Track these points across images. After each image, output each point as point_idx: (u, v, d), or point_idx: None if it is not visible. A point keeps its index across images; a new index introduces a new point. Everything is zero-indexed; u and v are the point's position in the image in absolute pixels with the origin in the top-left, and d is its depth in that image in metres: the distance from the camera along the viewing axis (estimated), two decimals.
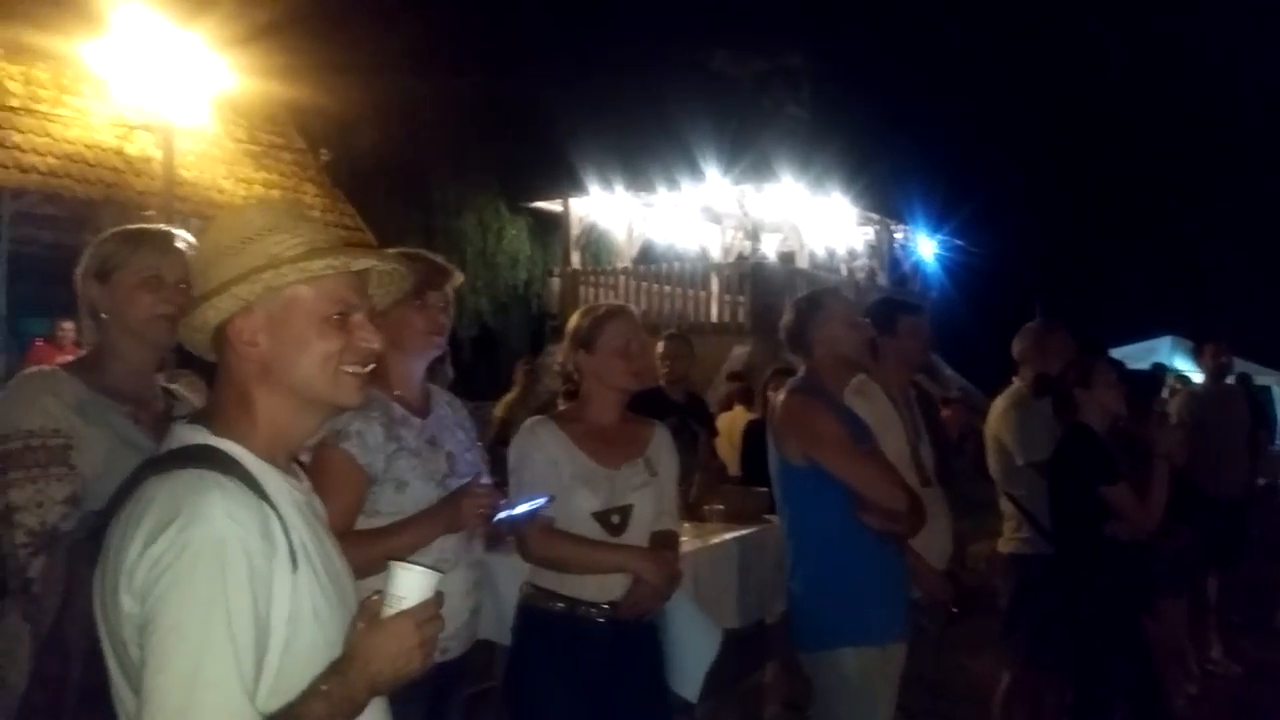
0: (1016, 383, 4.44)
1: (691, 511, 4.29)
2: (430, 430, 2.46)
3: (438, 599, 1.42)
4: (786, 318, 3.31)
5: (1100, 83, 25.30)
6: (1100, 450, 3.68)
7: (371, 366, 1.50)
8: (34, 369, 2.21)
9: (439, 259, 2.58)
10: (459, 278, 2.59)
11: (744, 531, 4.18)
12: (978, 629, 5.30)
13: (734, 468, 6.67)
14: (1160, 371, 8.37)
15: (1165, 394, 7.16)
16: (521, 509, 2.44)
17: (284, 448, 1.47)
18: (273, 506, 1.37)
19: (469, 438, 2.62)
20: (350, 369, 1.46)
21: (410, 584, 1.40)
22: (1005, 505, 4.31)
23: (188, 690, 1.23)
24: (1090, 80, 25.44)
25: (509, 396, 8.34)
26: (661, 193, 15.62)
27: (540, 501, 2.46)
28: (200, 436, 1.40)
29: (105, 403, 2.12)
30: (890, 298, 4.49)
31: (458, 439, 2.55)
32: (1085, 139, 26.03)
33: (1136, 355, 14.38)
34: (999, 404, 4.42)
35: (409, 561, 1.44)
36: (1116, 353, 8.12)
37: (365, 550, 2.19)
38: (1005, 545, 4.31)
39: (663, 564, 2.75)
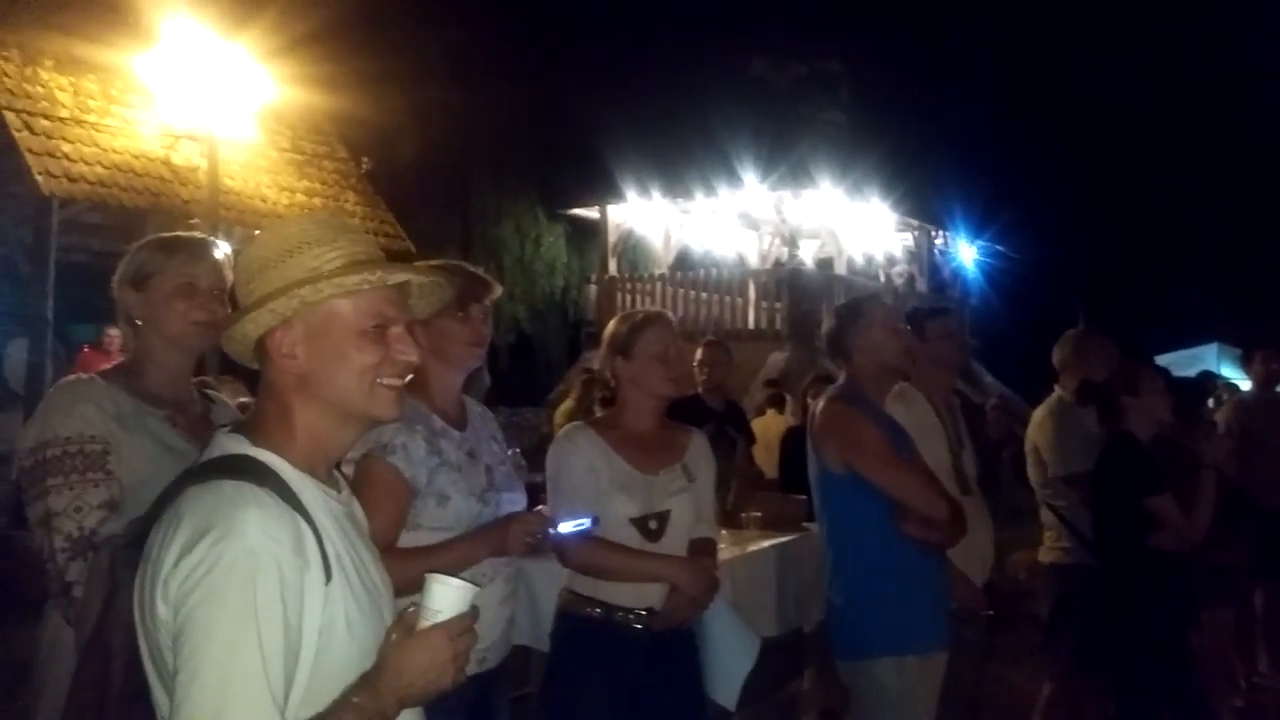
0: (1057, 391, 4.39)
1: (729, 519, 4.29)
2: (469, 442, 2.48)
3: (473, 613, 1.43)
4: (827, 324, 3.30)
5: (1144, 85, 24.95)
6: (1145, 459, 3.63)
7: (408, 379, 1.50)
8: (71, 377, 2.25)
9: (480, 271, 2.60)
10: (498, 290, 2.61)
11: (782, 539, 4.16)
12: (1018, 640, 5.24)
13: (769, 473, 6.67)
14: (1208, 379, 8.22)
15: (1211, 403, 7.04)
16: (566, 528, 2.45)
17: (323, 458, 1.48)
18: (308, 518, 1.38)
19: (502, 450, 2.64)
20: (387, 381, 1.46)
21: (446, 598, 1.41)
22: (1046, 515, 4.26)
23: (217, 701, 1.24)
24: (1134, 83, 25.09)
25: (566, 405, 8.36)
26: (699, 199, 15.62)
27: (586, 523, 2.47)
28: (240, 446, 1.42)
29: (143, 408, 2.16)
30: (917, 306, 4.46)
31: (493, 451, 2.57)
32: (1129, 142, 25.67)
33: (1182, 363, 14.14)
34: (1038, 413, 4.38)
35: (445, 575, 1.43)
36: (1161, 360, 8.00)
37: (411, 567, 2.21)
38: (1046, 555, 4.26)
39: (700, 574, 2.75)
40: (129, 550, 1.43)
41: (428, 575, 1.43)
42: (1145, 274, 25.53)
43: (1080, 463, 4.03)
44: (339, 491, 1.51)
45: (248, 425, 1.47)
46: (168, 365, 2.23)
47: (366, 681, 1.37)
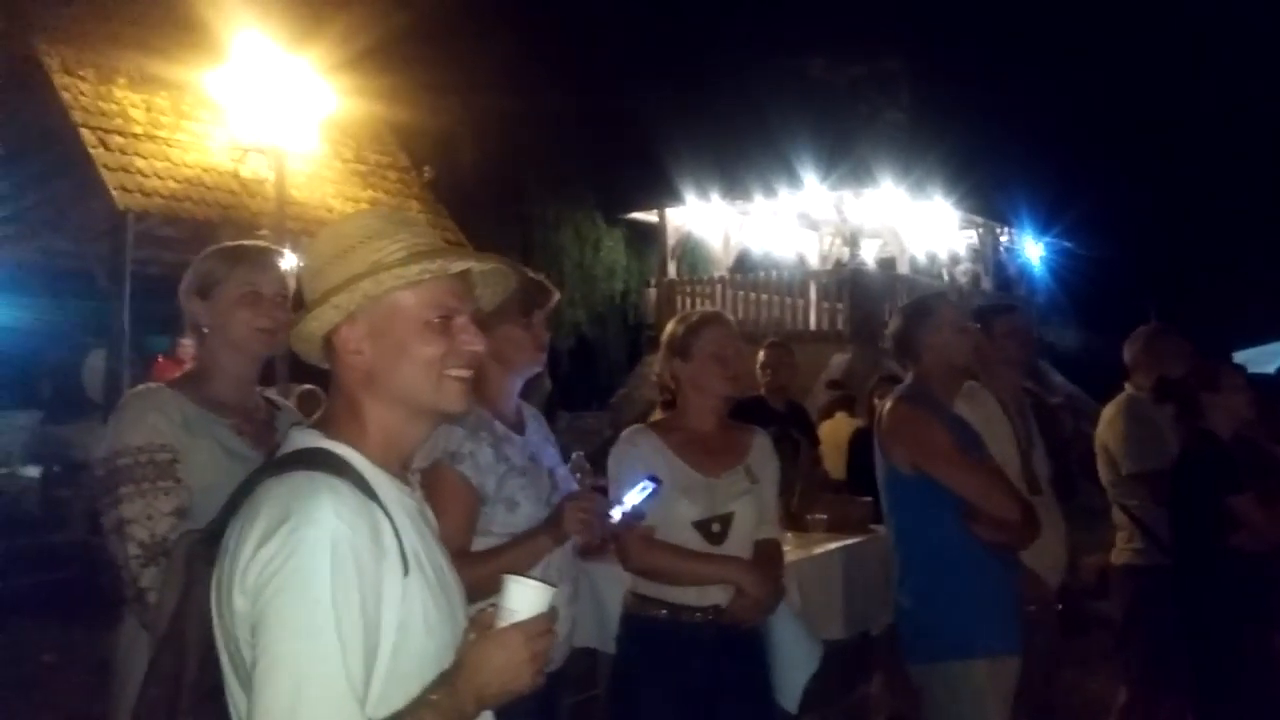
0: (1128, 389, 4.29)
1: (794, 521, 4.26)
2: (530, 447, 2.50)
3: (551, 614, 1.41)
4: (893, 324, 3.27)
5: (1216, 76, 24.27)
6: (1226, 458, 3.53)
7: (474, 370, 1.49)
8: (140, 387, 2.29)
9: (540, 278, 2.61)
10: (556, 296, 2.63)
11: (848, 541, 4.13)
12: (1092, 645, 5.13)
13: (839, 475, 6.62)
14: None
15: None
16: (631, 498, 2.44)
17: (396, 455, 1.47)
18: (385, 510, 1.37)
19: (558, 453, 2.66)
20: (454, 373, 1.45)
21: (524, 598, 1.40)
22: (1118, 515, 4.17)
23: (295, 689, 1.24)
24: (1206, 74, 24.43)
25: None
26: (758, 200, 15.56)
27: (650, 487, 2.46)
28: (315, 440, 1.41)
29: (209, 416, 2.19)
30: (982, 304, 4.40)
31: (550, 454, 2.59)
32: (1201, 133, 24.99)
33: (1259, 359, 13.71)
34: (1108, 411, 4.29)
35: (524, 578, 1.43)
36: (1237, 357, 7.76)
37: (479, 569, 2.24)
38: (1119, 557, 4.16)
39: (765, 577, 2.74)
40: (205, 546, 1.44)
41: (505, 576, 1.43)
42: (1219, 269, 24.81)
43: (1151, 461, 3.94)
44: (413, 490, 1.51)
45: (321, 422, 1.47)
46: (233, 372, 2.26)
47: (444, 680, 1.36)
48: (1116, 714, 4.13)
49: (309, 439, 1.42)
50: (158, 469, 2.09)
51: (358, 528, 1.30)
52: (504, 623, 1.38)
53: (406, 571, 1.36)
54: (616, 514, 2.40)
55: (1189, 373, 3.77)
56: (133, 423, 2.13)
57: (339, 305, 1.42)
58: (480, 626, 1.41)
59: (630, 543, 2.70)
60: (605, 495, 2.55)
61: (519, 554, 2.32)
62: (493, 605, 1.41)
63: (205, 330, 2.26)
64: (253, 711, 1.25)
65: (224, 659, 1.36)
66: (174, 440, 2.12)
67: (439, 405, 1.46)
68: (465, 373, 1.46)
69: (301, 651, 1.25)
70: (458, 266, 1.47)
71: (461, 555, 2.27)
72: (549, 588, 1.42)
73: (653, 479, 2.49)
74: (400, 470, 1.49)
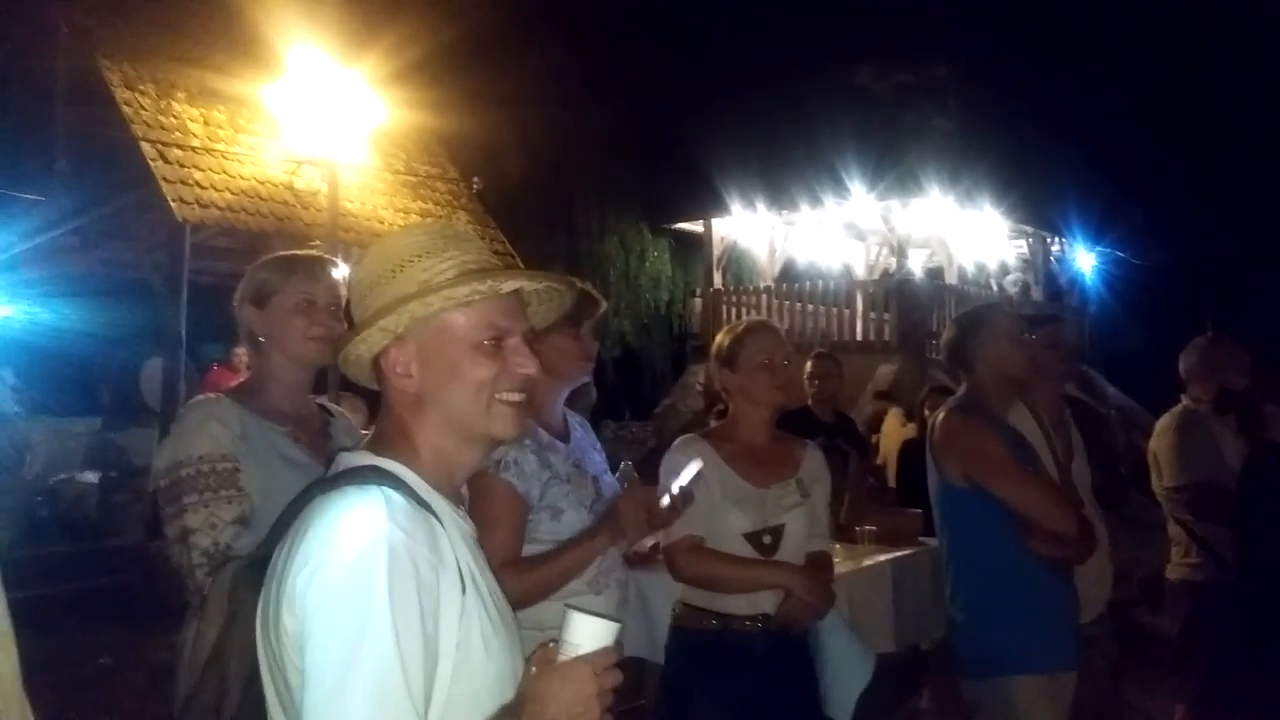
0: (1184, 401, 4.22)
1: (843, 533, 4.24)
2: (574, 455, 2.50)
3: (617, 649, 1.35)
4: (948, 334, 3.25)
5: (1269, 81, 23.77)
6: None
7: (527, 394, 1.43)
8: (199, 398, 2.33)
9: (588, 287, 2.61)
10: (604, 306, 2.64)
11: (898, 554, 4.10)
12: (1149, 662, 5.04)
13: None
14: None
15: None
16: (680, 481, 2.45)
17: (449, 478, 1.42)
18: (442, 525, 1.33)
19: (603, 460, 2.66)
20: (505, 397, 1.39)
21: (587, 631, 1.34)
22: (1173, 529, 4.09)
23: (353, 706, 1.17)
24: (1256, 78, 23.94)
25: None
26: (804, 210, 15.49)
27: (697, 468, 2.47)
28: (365, 459, 1.37)
29: (266, 425, 2.23)
30: (1022, 314, 4.34)
31: (595, 461, 2.59)
32: (1255, 139, 24.48)
33: None
34: (1162, 422, 4.21)
35: (588, 612, 1.37)
36: None
37: (537, 573, 2.27)
38: (1174, 572, 4.08)
39: (815, 580, 2.73)
40: (250, 570, 1.40)
41: (567, 609, 1.37)
42: (1276, 277, 24.25)
43: (1196, 473, 3.86)
44: (465, 518, 1.45)
45: (371, 444, 1.42)
46: (288, 381, 2.29)
47: (509, 711, 1.30)
48: None
49: (359, 459, 1.37)
50: (220, 478, 2.12)
51: (416, 536, 1.25)
52: (566, 656, 1.32)
53: (465, 590, 1.31)
54: (666, 499, 2.41)
55: (1251, 384, 3.69)
56: (194, 433, 2.17)
57: (386, 328, 1.37)
58: (542, 660, 1.34)
59: (679, 552, 2.71)
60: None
61: (576, 556, 2.33)
62: (554, 640, 1.35)
63: (261, 340, 2.29)
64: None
65: (269, 690, 1.31)
66: (234, 449, 2.15)
67: (490, 430, 1.41)
68: (518, 396, 1.41)
69: (357, 662, 1.18)
70: (509, 286, 1.41)
71: (518, 561, 2.32)
72: (614, 623, 1.36)
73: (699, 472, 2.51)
74: (454, 497, 1.44)
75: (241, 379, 2.44)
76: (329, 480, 1.35)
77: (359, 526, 1.23)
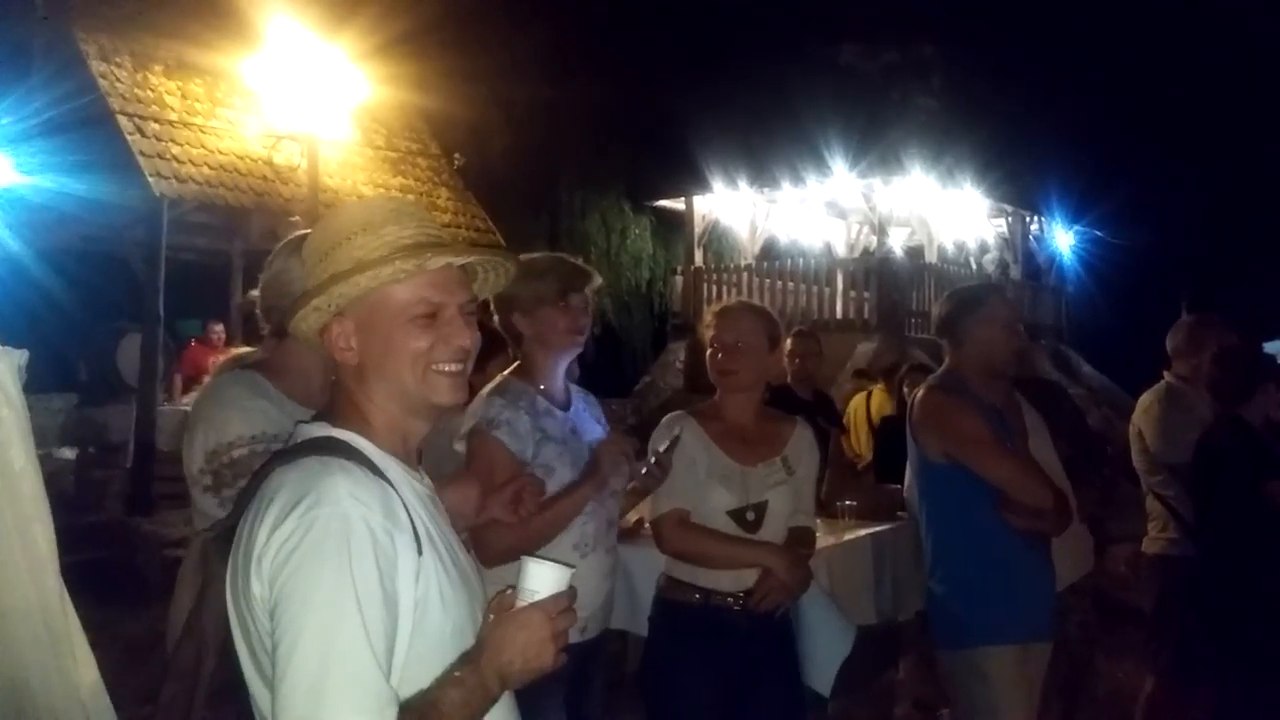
0: (1167, 377, 4.27)
1: (823, 508, 4.28)
2: (571, 421, 2.59)
3: (570, 593, 1.43)
4: (944, 306, 3.26)
5: (1247, 63, 23.90)
6: (1260, 445, 3.52)
7: (467, 363, 1.48)
8: (234, 372, 2.25)
9: (580, 263, 2.69)
10: (598, 280, 2.69)
11: (878, 528, 4.15)
12: (1122, 635, 5.13)
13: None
14: None
15: None
16: (659, 449, 2.57)
17: (402, 443, 1.48)
18: (396, 491, 1.39)
19: (605, 431, 2.72)
20: (441, 367, 1.45)
21: (542, 578, 1.41)
22: (1151, 504, 4.15)
23: (321, 663, 1.24)
24: (1238, 63, 24.06)
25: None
26: (785, 188, 15.49)
27: (676, 436, 2.59)
28: (322, 430, 1.44)
29: (295, 407, 2.14)
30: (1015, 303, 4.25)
31: (596, 431, 2.66)
32: (1233, 123, 24.64)
33: None
34: (1145, 398, 4.27)
35: (541, 557, 1.45)
36: (1271, 347, 7.68)
37: (526, 524, 2.30)
38: (1150, 546, 4.15)
39: (795, 561, 2.77)
40: (220, 542, 1.45)
41: (524, 557, 1.45)
42: (1252, 258, 24.48)
43: (1181, 450, 3.92)
44: (422, 476, 1.51)
45: (325, 414, 1.49)
46: (311, 375, 2.18)
47: (468, 659, 1.38)
48: (1143, 704, 4.12)
49: (316, 430, 1.44)
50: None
51: (371, 506, 1.32)
52: (524, 603, 1.40)
53: (420, 550, 1.38)
54: (645, 467, 2.52)
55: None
56: (241, 411, 2.09)
57: (319, 307, 1.43)
58: (500, 608, 1.42)
59: (665, 525, 2.75)
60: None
61: (563, 506, 2.42)
62: (510, 588, 1.43)
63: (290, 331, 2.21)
64: (279, 689, 1.26)
65: (242, 652, 1.37)
66: (283, 428, 2.01)
67: (428, 399, 1.46)
68: (454, 366, 1.46)
69: (324, 625, 1.26)
70: (436, 263, 1.45)
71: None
72: (567, 568, 1.44)
73: (678, 436, 2.60)
74: (408, 457, 1.49)
75: (220, 356, 2.38)
76: (289, 452, 1.42)
77: (318, 498, 1.30)
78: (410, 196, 12.01)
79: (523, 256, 2.48)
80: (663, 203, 17.44)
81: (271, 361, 2.27)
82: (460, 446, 2.46)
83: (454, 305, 1.46)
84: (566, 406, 2.62)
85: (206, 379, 2.33)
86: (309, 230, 2.38)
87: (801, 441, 2.94)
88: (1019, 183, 16.38)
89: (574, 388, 2.72)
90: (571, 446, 2.53)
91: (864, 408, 7.57)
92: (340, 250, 1.44)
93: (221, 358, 2.49)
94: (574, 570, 1.47)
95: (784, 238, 17.34)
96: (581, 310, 2.60)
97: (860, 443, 7.22)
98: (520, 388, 2.53)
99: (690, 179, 15.73)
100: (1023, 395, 3.32)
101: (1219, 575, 3.58)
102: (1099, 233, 19.11)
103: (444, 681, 1.35)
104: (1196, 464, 3.67)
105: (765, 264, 16.21)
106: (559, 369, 2.63)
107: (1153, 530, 4.13)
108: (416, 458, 1.54)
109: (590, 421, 2.67)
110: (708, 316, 2.94)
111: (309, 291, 1.44)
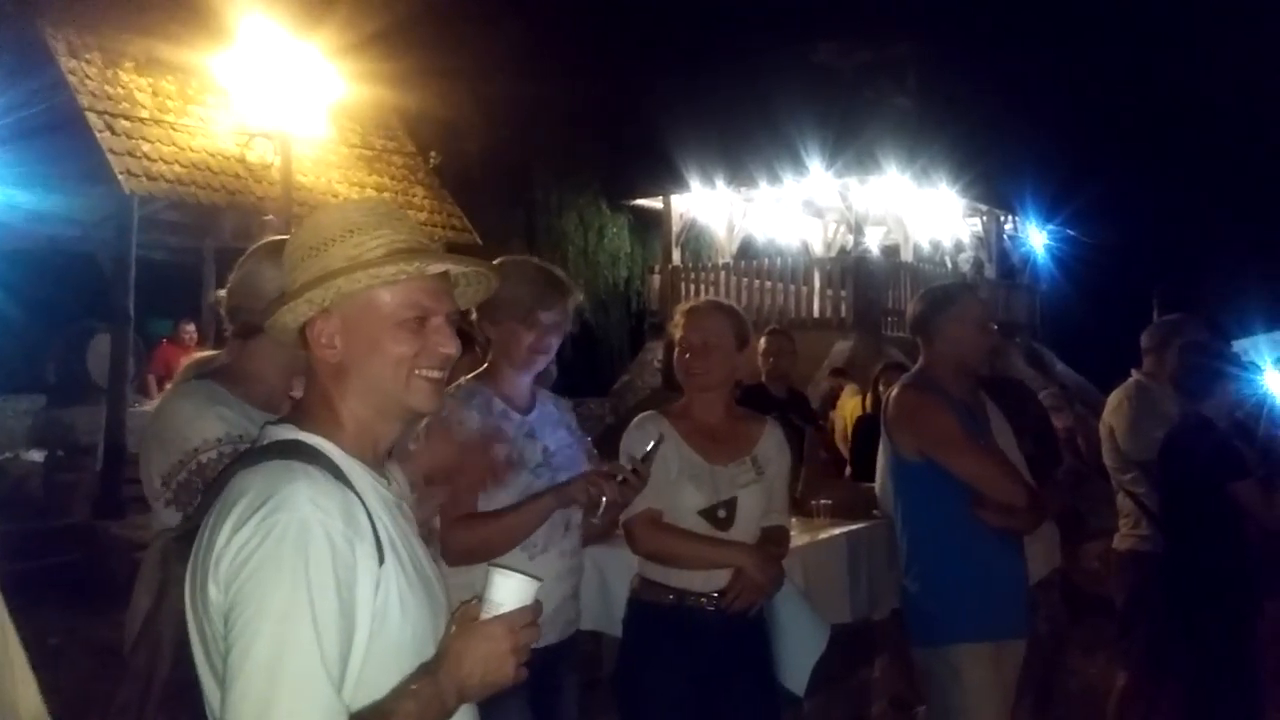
0: (1135, 375, 4.31)
1: (798, 507, 4.28)
2: (530, 425, 2.56)
3: (535, 607, 1.42)
4: (917, 305, 3.27)
5: (1220, 66, 24.17)
6: (1225, 444, 3.55)
7: (446, 370, 1.49)
8: (188, 383, 2.21)
9: (562, 276, 2.62)
10: (578, 296, 2.63)
11: (853, 527, 4.15)
12: (1093, 630, 5.16)
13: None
14: None
15: None
16: (636, 455, 2.53)
17: (371, 447, 1.47)
18: (360, 498, 1.37)
19: (573, 436, 2.67)
20: (424, 373, 1.45)
21: (508, 590, 1.40)
22: (1122, 501, 4.18)
23: (271, 676, 1.23)
24: (1210, 64, 24.33)
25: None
26: (762, 187, 15.53)
27: (655, 443, 2.53)
28: (288, 433, 1.42)
29: (252, 412, 2.10)
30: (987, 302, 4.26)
31: (559, 435, 2.61)
32: (1205, 124, 24.91)
33: (1265, 346, 13.73)
34: (1114, 396, 4.31)
35: (508, 568, 1.43)
36: (1243, 344, 7.74)
37: (487, 527, 2.36)
38: (1122, 542, 4.18)
39: (767, 561, 2.76)
40: (180, 544, 1.44)
41: (490, 567, 1.43)
42: (1225, 255, 24.76)
43: (1150, 448, 3.95)
44: (390, 483, 1.50)
45: (295, 414, 1.47)
46: (272, 381, 2.15)
47: (426, 670, 1.36)
48: (1115, 698, 4.15)
49: (283, 432, 1.42)
50: None
51: (332, 513, 1.31)
52: (488, 615, 1.39)
53: (382, 560, 1.36)
54: (621, 475, 2.45)
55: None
56: (201, 417, 2.05)
57: (312, 300, 1.42)
58: (464, 619, 1.41)
59: (638, 525, 2.73)
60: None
61: (525, 514, 2.40)
62: (475, 598, 1.42)
63: (255, 333, 2.12)
64: (228, 696, 1.24)
65: (198, 655, 1.35)
66: (245, 431, 2.01)
67: (408, 403, 1.46)
68: (436, 373, 1.46)
69: (276, 634, 1.24)
70: (435, 269, 1.47)
71: (471, 516, 2.40)
72: (534, 581, 1.42)
73: (657, 442, 2.56)
74: (376, 463, 1.48)
75: (192, 355, 2.34)
76: (253, 454, 1.40)
77: (278, 503, 1.29)
78: (385, 195, 11.95)
79: (505, 259, 2.47)
80: (640, 201, 17.45)
81: (233, 366, 2.21)
82: (414, 447, 2.43)
83: (442, 313, 1.47)
84: (528, 410, 2.58)
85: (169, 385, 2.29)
86: (282, 235, 2.34)
87: (771, 441, 2.93)
88: (993, 182, 16.51)
89: (544, 393, 2.69)
90: (525, 449, 2.50)
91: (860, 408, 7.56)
92: (335, 247, 1.43)
93: (186, 361, 2.44)
94: (541, 583, 1.44)
95: (761, 237, 17.39)
96: (552, 327, 2.54)
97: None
98: (475, 389, 2.51)
99: (667, 178, 15.74)
100: (988, 394, 3.33)
101: (1185, 571, 3.60)
102: (1072, 232, 19.27)
103: (399, 693, 1.33)
104: (1161, 461, 3.70)
105: (742, 263, 16.25)
106: (522, 378, 2.59)
107: (1124, 526, 4.16)
108: (384, 461, 1.53)
109: (555, 425, 2.64)
110: (676, 316, 2.93)
111: (305, 284, 1.42)
